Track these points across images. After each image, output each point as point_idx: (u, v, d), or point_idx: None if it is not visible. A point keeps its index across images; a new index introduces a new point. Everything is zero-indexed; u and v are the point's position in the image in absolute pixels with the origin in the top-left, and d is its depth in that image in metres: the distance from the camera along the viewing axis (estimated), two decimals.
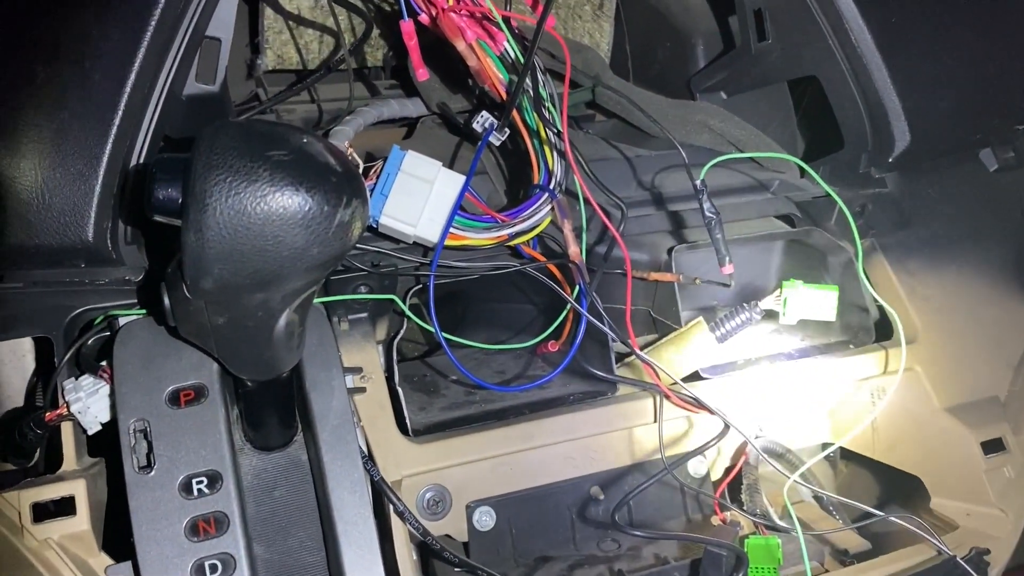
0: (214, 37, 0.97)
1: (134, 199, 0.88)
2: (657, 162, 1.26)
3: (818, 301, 1.08)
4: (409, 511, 0.93)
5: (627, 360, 1.13)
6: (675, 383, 1.07)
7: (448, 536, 1.08)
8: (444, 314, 1.03)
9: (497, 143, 1.09)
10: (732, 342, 1.20)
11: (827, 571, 1.04)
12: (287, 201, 0.66)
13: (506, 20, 1.03)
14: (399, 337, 1.05)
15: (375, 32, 1.36)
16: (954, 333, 1.19)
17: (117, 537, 0.85)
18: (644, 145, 1.30)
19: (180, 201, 0.69)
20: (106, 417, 0.88)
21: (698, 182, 1.00)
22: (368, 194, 0.98)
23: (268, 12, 1.32)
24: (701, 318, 1.12)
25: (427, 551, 1.11)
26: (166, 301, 0.76)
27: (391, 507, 0.94)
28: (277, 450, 0.89)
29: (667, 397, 1.05)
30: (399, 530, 0.95)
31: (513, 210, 1.04)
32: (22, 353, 1.01)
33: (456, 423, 1.04)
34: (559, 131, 1.02)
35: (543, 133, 1.04)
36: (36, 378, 1.01)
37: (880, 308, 1.20)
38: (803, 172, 1.28)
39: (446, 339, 1.01)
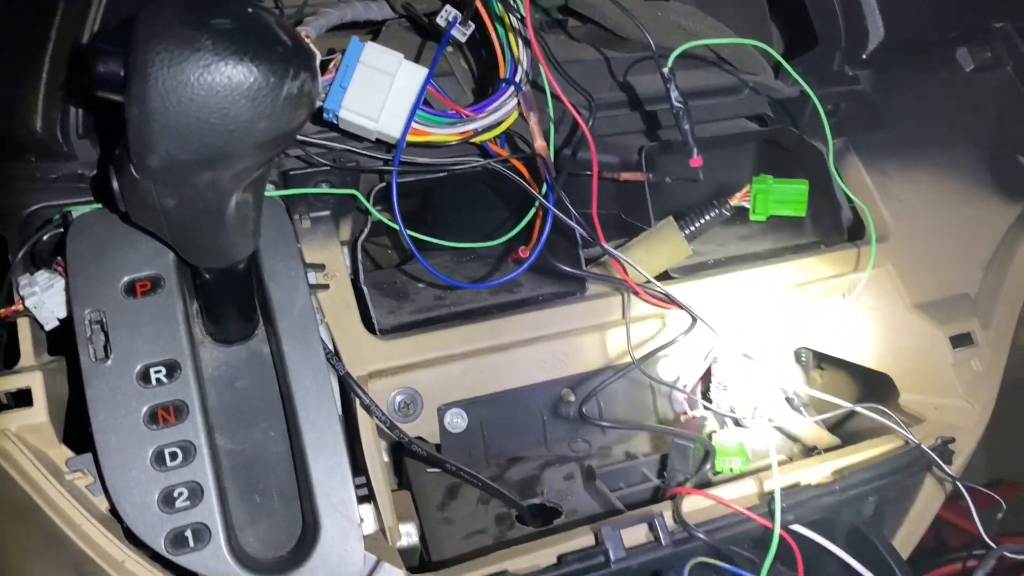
0: None
1: (83, 85, 0.85)
2: (630, 64, 1.23)
3: (788, 196, 1.07)
4: (375, 403, 0.92)
5: (599, 261, 1.12)
6: (648, 281, 1.06)
7: (420, 438, 1.08)
8: (413, 222, 1.01)
9: (462, 38, 1.06)
10: (704, 245, 1.19)
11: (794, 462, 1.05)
12: (231, 71, 0.63)
13: None
14: (364, 236, 1.03)
15: None
16: (926, 232, 1.19)
17: (79, 433, 0.84)
18: (618, 48, 1.27)
19: (123, 75, 0.66)
20: (63, 312, 0.86)
21: (665, 70, 0.97)
22: (326, 86, 0.98)
23: None
24: (671, 217, 1.11)
25: (399, 452, 1.12)
26: (114, 183, 0.74)
27: (358, 402, 0.93)
28: (238, 343, 0.88)
29: (636, 293, 1.04)
30: (366, 426, 0.94)
31: (478, 104, 1.02)
32: None
33: (425, 323, 1.03)
34: (523, 16, 0.99)
35: (508, 22, 1.01)
36: None
37: (853, 208, 1.20)
38: (777, 73, 1.26)
39: (412, 238, 0.99)
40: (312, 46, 1.00)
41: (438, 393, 1.15)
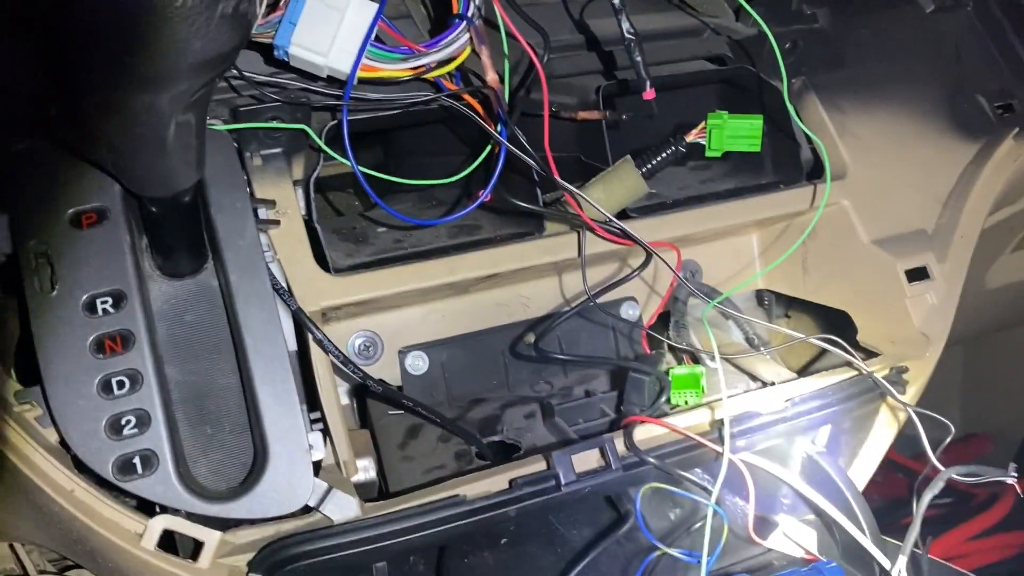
0: None
1: None
2: (587, 3, 1.23)
3: (743, 131, 1.07)
4: (328, 339, 0.92)
5: (560, 201, 1.12)
6: (607, 220, 1.06)
7: (381, 380, 1.09)
8: (364, 155, 1.01)
9: None
10: (664, 187, 1.19)
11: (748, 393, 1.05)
12: None
13: None
14: (316, 174, 1.02)
15: None
16: (883, 169, 1.19)
17: (28, 367, 0.84)
18: None
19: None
20: (8, 248, 0.86)
21: (616, 0, 0.97)
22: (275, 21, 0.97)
23: None
24: (628, 156, 1.11)
25: (362, 394, 1.12)
26: (52, 111, 0.74)
27: (310, 337, 0.93)
28: (188, 277, 0.87)
29: (592, 230, 1.04)
30: (320, 361, 0.94)
31: (430, 40, 1.01)
32: None
33: (380, 263, 1.03)
34: None
35: None
36: None
37: (812, 148, 1.20)
38: (738, 15, 1.25)
39: (367, 176, 0.99)
40: None
41: (399, 337, 1.15)
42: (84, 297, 0.80)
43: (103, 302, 0.80)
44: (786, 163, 1.21)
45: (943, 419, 0.95)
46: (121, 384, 0.79)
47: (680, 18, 1.25)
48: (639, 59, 0.98)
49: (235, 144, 0.93)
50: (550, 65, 1.09)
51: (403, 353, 1.14)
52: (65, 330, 0.79)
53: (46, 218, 0.82)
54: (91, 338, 0.79)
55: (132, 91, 0.69)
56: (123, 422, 0.78)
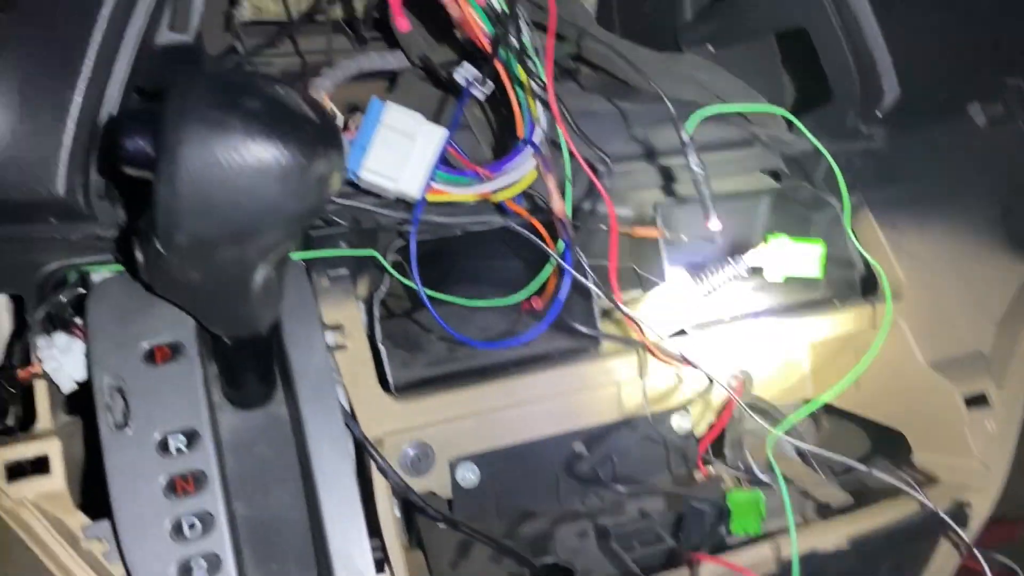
0: None
1: (105, 152, 0.86)
2: (643, 116, 1.24)
3: (804, 256, 1.07)
4: (391, 467, 0.92)
5: (613, 316, 1.12)
6: (660, 338, 1.06)
7: (432, 493, 1.08)
8: (427, 271, 1.01)
9: (481, 96, 1.06)
10: (717, 297, 1.19)
11: (808, 525, 1.04)
12: (261, 152, 0.64)
13: None
14: (380, 294, 1.03)
15: None
16: (939, 289, 1.19)
17: (94, 496, 0.84)
18: (630, 99, 1.28)
19: (151, 153, 0.67)
20: (81, 376, 0.86)
21: (685, 136, 0.98)
22: (346, 146, 0.98)
23: None
24: (686, 273, 1.11)
25: (411, 508, 1.11)
26: (139, 256, 0.74)
27: (373, 464, 0.93)
28: (256, 407, 0.88)
29: (651, 353, 1.04)
30: (381, 488, 0.94)
31: (496, 163, 1.02)
32: None
33: (439, 380, 1.03)
34: (543, 82, 0.99)
35: (527, 84, 1.01)
36: (13, 336, 0.99)
37: (866, 264, 1.20)
38: (790, 126, 1.26)
39: (428, 296, 0.99)
40: (336, 112, 1.01)
41: (450, 446, 1.14)
42: (158, 436, 0.80)
43: (176, 440, 0.80)
44: (840, 278, 1.21)
45: (1010, 562, 0.94)
46: (192, 526, 0.78)
47: (731, 128, 1.26)
48: (706, 191, 0.99)
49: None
50: (609, 179, 1.10)
51: (454, 465, 1.13)
52: (138, 469, 0.79)
53: (122, 352, 0.82)
54: (164, 478, 0.79)
55: (223, 245, 0.69)
56: (194, 566, 0.77)
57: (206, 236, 0.67)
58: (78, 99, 0.83)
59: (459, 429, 1.14)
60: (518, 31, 1.01)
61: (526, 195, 1.08)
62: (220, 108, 0.64)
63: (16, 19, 0.82)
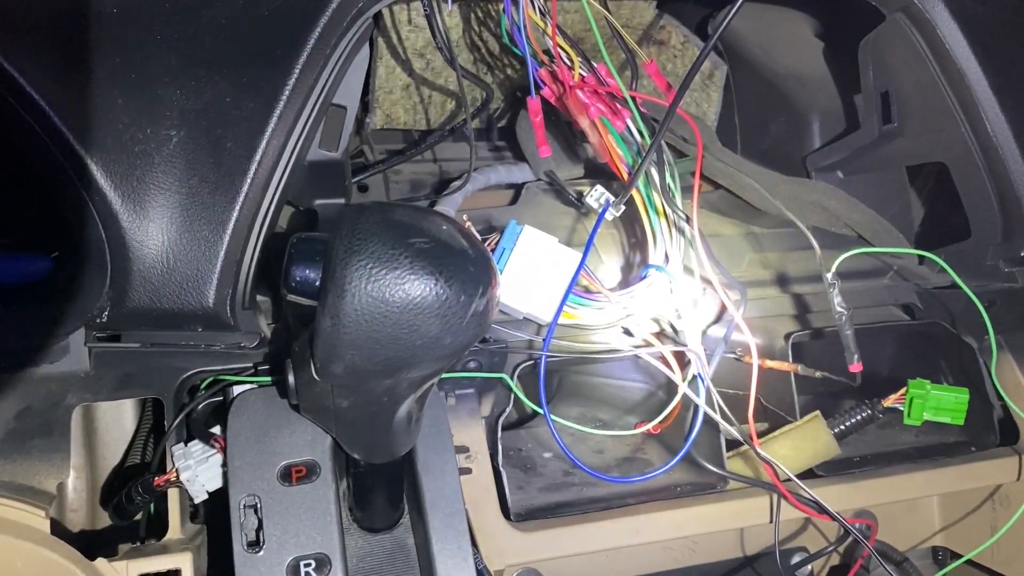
0: (340, 105, 0.97)
1: (259, 268, 0.88)
2: (770, 240, 1.22)
3: (946, 404, 1.02)
4: None
5: (740, 450, 1.08)
6: (788, 479, 1.02)
7: None
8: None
9: (611, 218, 1.06)
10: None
11: None
12: (426, 289, 0.64)
13: (632, 98, 1.01)
14: (504, 416, 1.01)
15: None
16: None
17: None
18: (753, 221, 1.26)
19: (318, 284, 0.67)
20: (214, 487, 0.87)
21: (828, 275, 0.95)
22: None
23: (380, 72, 1.33)
24: (819, 413, 1.07)
25: None
26: (291, 380, 0.75)
27: None
28: (383, 531, 0.86)
29: (785, 497, 0.99)
30: None
31: (626, 288, 1.01)
32: (123, 412, 1.01)
33: (558, 509, 1.01)
34: (685, 215, 0.99)
35: (663, 211, 1.01)
36: (137, 439, 1.01)
37: (1004, 407, 1.14)
38: (921, 259, 1.22)
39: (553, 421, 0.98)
40: (476, 235, 1.02)
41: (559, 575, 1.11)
42: (289, 559, 0.79)
43: (307, 565, 0.79)
44: (978, 421, 1.14)
45: None
46: None
47: (865, 256, 1.22)
48: (849, 332, 0.96)
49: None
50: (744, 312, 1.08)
51: None
52: None
53: (259, 469, 0.82)
54: None
55: (378, 376, 0.69)
56: None
57: (363, 368, 0.67)
58: (235, 215, 0.86)
59: (577, 562, 1.11)
60: (659, 159, 1.01)
61: (652, 319, 1.06)
62: (389, 244, 0.64)
63: (185, 136, 0.85)
